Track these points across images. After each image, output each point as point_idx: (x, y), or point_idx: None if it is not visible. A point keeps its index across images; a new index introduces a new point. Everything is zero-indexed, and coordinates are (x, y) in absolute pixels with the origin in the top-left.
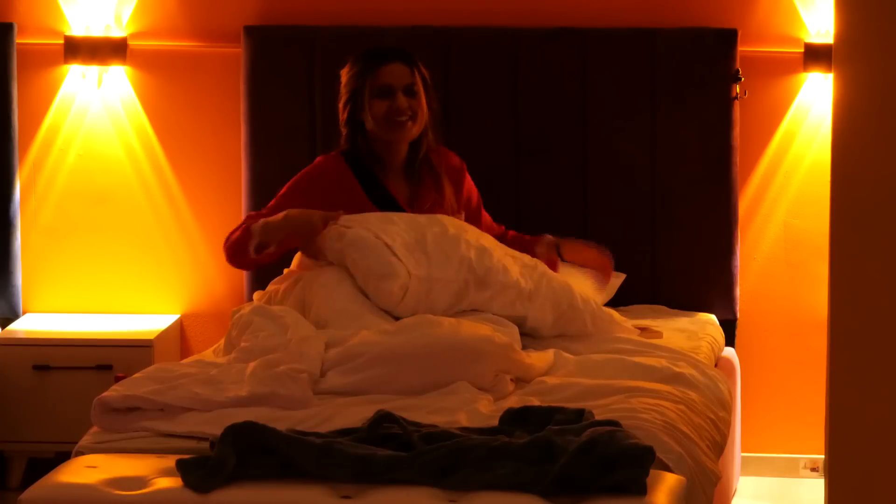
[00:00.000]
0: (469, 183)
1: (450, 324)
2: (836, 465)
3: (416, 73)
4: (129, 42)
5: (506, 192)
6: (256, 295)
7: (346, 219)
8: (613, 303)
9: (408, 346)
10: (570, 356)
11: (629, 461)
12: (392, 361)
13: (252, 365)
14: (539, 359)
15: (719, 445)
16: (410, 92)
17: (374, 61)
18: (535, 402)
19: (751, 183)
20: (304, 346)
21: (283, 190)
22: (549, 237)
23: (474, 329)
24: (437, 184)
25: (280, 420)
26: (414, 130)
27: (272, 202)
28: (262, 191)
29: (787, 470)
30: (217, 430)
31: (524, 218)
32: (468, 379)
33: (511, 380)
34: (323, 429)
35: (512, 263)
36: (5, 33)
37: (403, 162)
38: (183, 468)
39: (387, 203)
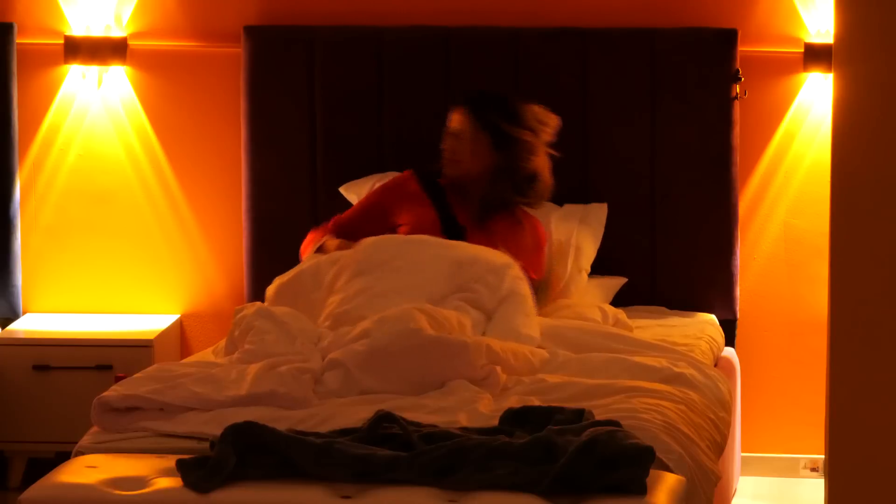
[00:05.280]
0: (540, 257)
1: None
2: (836, 465)
3: (478, 122)
4: (129, 42)
5: None
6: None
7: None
8: (613, 303)
9: (388, 355)
10: (571, 355)
11: (629, 461)
12: (378, 372)
13: (254, 366)
14: (519, 346)
15: (719, 445)
16: (462, 137)
17: (453, 106)
18: (535, 401)
19: (751, 183)
20: (308, 349)
21: (364, 201)
22: None
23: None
24: (505, 234)
25: (280, 420)
26: (454, 172)
27: (353, 210)
28: (262, 191)
29: (787, 470)
30: (217, 430)
31: None
32: (457, 371)
33: (502, 373)
34: (323, 429)
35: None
36: (5, 33)
37: (478, 199)
38: (183, 468)
39: (450, 222)
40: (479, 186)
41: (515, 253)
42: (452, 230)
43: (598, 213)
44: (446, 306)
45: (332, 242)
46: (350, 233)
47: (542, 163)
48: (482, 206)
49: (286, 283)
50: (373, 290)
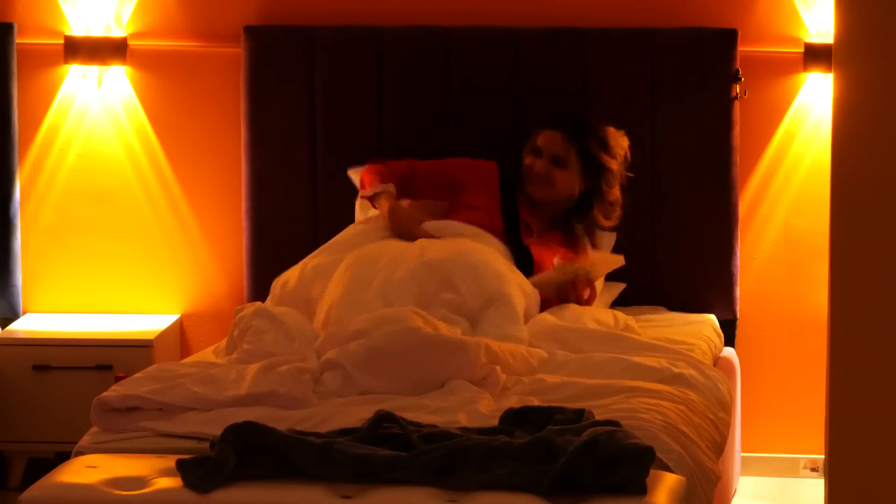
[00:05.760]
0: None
1: (422, 323)
2: (836, 465)
3: (574, 148)
4: (129, 42)
5: None
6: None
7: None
8: (614, 302)
9: (387, 355)
10: (571, 355)
11: (629, 461)
12: (377, 372)
13: (254, 366)
14: (516, 346)
15: (719, 445)
16: (557, 161)
17: (546, 125)
18: (535, 401)
19: (751, 183)
20: (306, 349)
21: (444, 166)
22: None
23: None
24: (558, 239)
25: (280, 420)
26: (543, 193)
27: (429, 167)
28: (262, 190)
29: (787, 470)
30: (217, 430)
31: None
32: (457, 370)
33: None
34: (323, 429)
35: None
36: (5, 33)
37: (549, 216)
38: (183, 468)
39: (513, 225)
40: (556, 206)
41: (564, 254)
42: (512, 225)
43: (608, 240)
44: (432, 314)
45: (385, 204)
46: (416, 187)
47: (619, 188)
48: (555, 223)
49: (322, 264)
50: (351, 298)
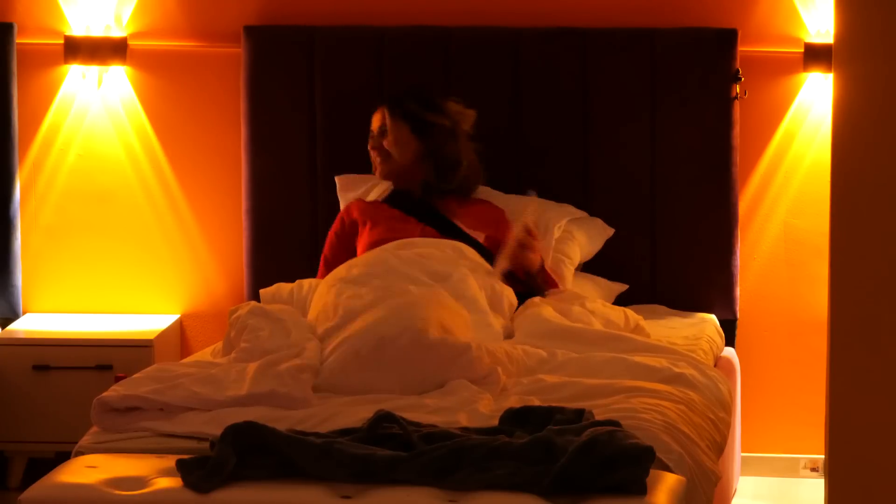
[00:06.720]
0: (506, 222)
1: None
2: (836, 465)
3: (396, 114)
4: (129, 42)
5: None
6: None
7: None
8: (614, 303)
9: (396, 351)
10: (572, 354)
11: (629, 461)
12: (380, 370)
13: (253, 365)
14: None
15: (719, 446)
16: (383, 133)
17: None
18: (535, 401)
19: (751, 183)
20: (304, 341)
21: (330, 238)
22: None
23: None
24: (462, 209)
25: (280, 420)
26: (387, 170)
27: (326, 249)
28: (262, 191)
29: (787, 470)
30: (217, 430)
31: None
32: (460, 370)
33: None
34: (323, 429)
35: None
36: (5, 33)
37: (419, 185)
38: (183, 468)
39: (433, 215)
40: (414, 175)
41: (476, 224)
42: (411, 207)
43: (604, 240)
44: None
45: None
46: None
47: (464, 149)
48: (425, 190)
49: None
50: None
